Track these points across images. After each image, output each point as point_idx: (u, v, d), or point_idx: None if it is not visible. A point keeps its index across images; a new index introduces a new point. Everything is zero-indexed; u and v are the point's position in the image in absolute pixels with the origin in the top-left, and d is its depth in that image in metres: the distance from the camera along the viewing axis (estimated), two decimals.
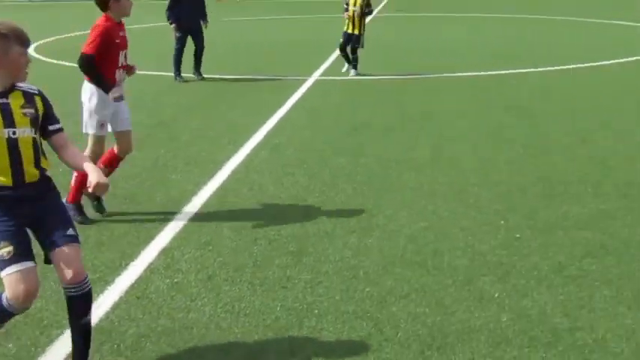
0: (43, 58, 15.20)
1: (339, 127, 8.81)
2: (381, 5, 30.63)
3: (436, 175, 6.70)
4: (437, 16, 27.59)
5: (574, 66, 13.49)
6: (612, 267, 4.62)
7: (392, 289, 4.37)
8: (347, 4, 12.54)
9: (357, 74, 12.67)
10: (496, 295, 4.26)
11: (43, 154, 3.37)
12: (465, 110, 9.69)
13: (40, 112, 3.35)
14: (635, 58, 14.41)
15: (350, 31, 12.53)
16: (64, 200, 4.42)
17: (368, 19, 13.02)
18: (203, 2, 13.09)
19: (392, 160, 7.22)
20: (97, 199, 5.73)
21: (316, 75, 12.88)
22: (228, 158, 7.39)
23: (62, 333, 3.83)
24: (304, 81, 12.35)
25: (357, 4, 12.35)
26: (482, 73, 13.00)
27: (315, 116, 9.62)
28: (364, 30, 12.62)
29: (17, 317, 3.51)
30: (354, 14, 12.35)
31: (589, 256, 4.80)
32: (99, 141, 5.60)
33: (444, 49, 16.81)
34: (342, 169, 6.95)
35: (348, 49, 12.64)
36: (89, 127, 5.57)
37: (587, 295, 4.25)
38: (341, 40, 12.66)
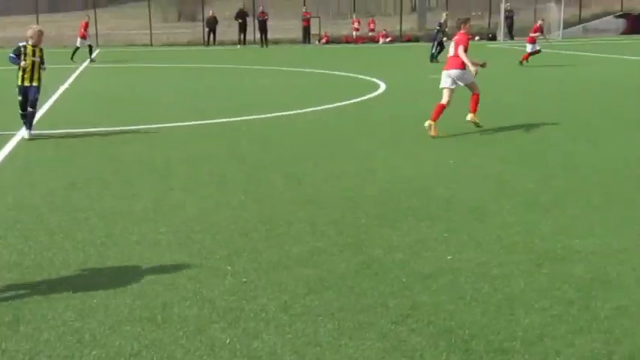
0: None
1: (55, 183, 8.36)
2: (94, 54, 29.88)
3: (158, 225, 6.63)
4: (151, 67, 27.60)
5: (288, 113, 14.24)
6: (333, 301, 4.90)
7: (120, 348, 4.21)
8: (18, 54, 11.16)
9: (33, 135, 11.46)
10: (227, 342, 4.29)
11: None
12: (187, 159, 9.75)
13: None
14: (336, 104, 15.60)
15: (27, 83, 11.27)
16: None
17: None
18: None
19: (112, 214, 7.01)
20: None
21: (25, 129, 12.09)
22: None
23: None
24: (12, 136, 11.55)
25: (37, 55, 11.29)
26: (204, 122, 13.20)
27: (28, 173, 9.03)
28: (41, 82, 11.60)
29: None
30: (33, 64, 11.22)
31: (311, 292, 5.04)
32: None
33: (162, 99, 16.84)
34: (60, 228, 6.59)
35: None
36: None
37: (313, 330, 4.45)
38: (20, 97, 11.29)
